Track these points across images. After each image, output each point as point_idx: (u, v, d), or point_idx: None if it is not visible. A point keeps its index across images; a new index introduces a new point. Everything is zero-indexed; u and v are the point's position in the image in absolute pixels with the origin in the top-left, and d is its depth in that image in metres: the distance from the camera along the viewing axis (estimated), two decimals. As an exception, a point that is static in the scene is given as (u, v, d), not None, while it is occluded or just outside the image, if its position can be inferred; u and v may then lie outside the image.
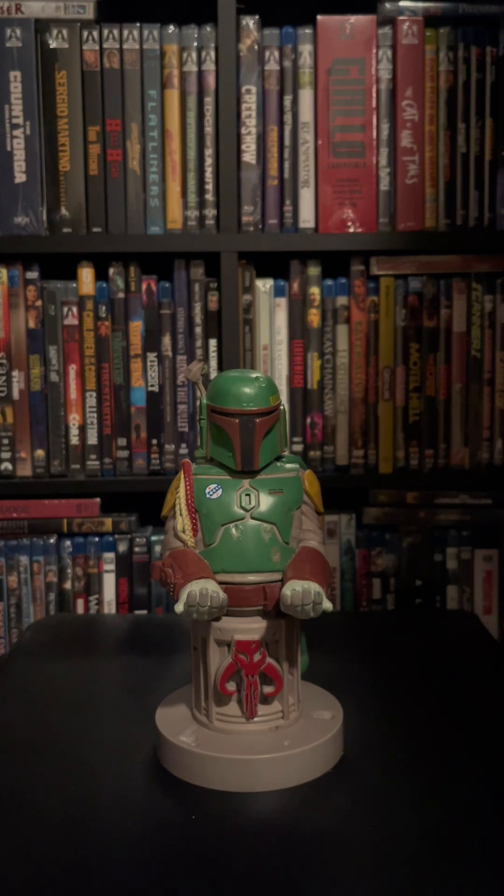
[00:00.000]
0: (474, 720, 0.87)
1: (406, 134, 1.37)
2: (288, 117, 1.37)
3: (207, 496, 0.78)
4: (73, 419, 1.40)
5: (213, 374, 1.40)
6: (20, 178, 1.36)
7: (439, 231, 1.38)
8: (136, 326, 1.40)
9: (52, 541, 1.41)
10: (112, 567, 1.42)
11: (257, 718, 0.77)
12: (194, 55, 1.35)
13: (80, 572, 1.42)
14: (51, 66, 1.35)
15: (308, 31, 1.35)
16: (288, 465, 0.80)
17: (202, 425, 0.80)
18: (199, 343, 1.40)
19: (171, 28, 1.34)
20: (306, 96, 1.37)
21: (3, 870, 0.66)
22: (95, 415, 1.40)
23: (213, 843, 0.68)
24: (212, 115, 1.36)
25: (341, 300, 1.40)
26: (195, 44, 1.35)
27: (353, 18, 1.35)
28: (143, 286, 1.39)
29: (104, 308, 1.39)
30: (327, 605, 0.73)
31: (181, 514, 0.78)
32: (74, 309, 1.39)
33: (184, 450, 1.41)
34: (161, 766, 0.78)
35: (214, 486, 0.78)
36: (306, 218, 1.38)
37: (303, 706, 0.81)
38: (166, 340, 1.40)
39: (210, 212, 1.37)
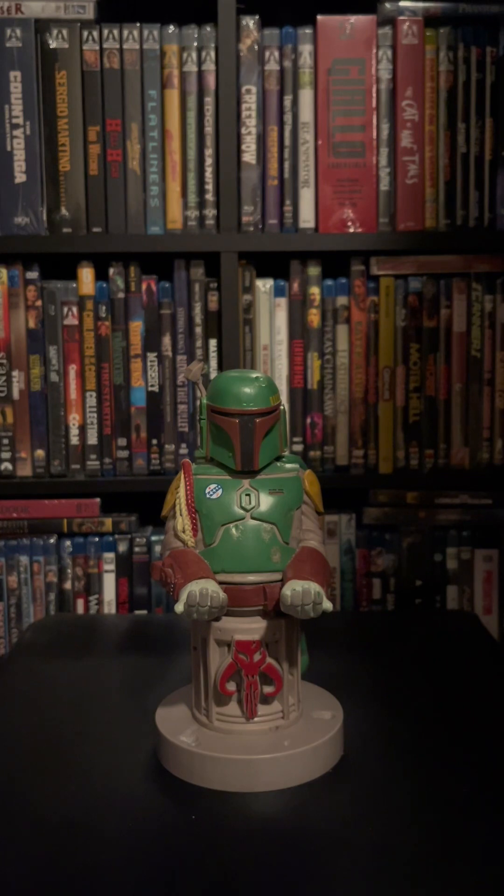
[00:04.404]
0: (474, 720, 0.87)
1: (406, 134, 1.37)
2: (288, 117, 1.37)
3: (207, 496, 0.78)
4: (73, 419, 1.40)
5: (213, 374, 1.40)
6: (20, 178, 1.36)
7: (439, 231, 1.38)
8: (136, 326, 1.40)
9: (52, 541, 1.41)
10: (112, 567, 1.42)
11: (257, 718, 0.77)
12: (194, 55, 1.35)
13: (80, 572, 1.42)
14: (51, 66, 1.35)
15: (308, 31, 1.35)
16: (288, 465, 0.80)
17: (202, 425, 0.80)
18: (199, 343, 1.40)
19: (171, 28, 1.34)
20: (306, 96, 1.37)
21: (3, 870, 0.66)
22: (95, 415, 1.40)
23: (213, 843, 0.68)
24: (212, 115, 1.36)
25: (341, 300, 1.40)
26: (195, 44, 1.35)
27: (353, 18, 1.35)
28: (143, 286, 1.39)
29: (104, 308, 1.39)
30: (327, 605, 0.73)
31: (181, 514, 0.78)
32: (74, 309, 1.39)
33: (184, 450, 1.41)
34: (161, 766, 0.78)
35: (214, 486, 0.78)
36: (306, 218, 1.38)
37: (303, 706, 0.81)
38: (166, 340, 1.40)
39: (210, 212, 1.37)
